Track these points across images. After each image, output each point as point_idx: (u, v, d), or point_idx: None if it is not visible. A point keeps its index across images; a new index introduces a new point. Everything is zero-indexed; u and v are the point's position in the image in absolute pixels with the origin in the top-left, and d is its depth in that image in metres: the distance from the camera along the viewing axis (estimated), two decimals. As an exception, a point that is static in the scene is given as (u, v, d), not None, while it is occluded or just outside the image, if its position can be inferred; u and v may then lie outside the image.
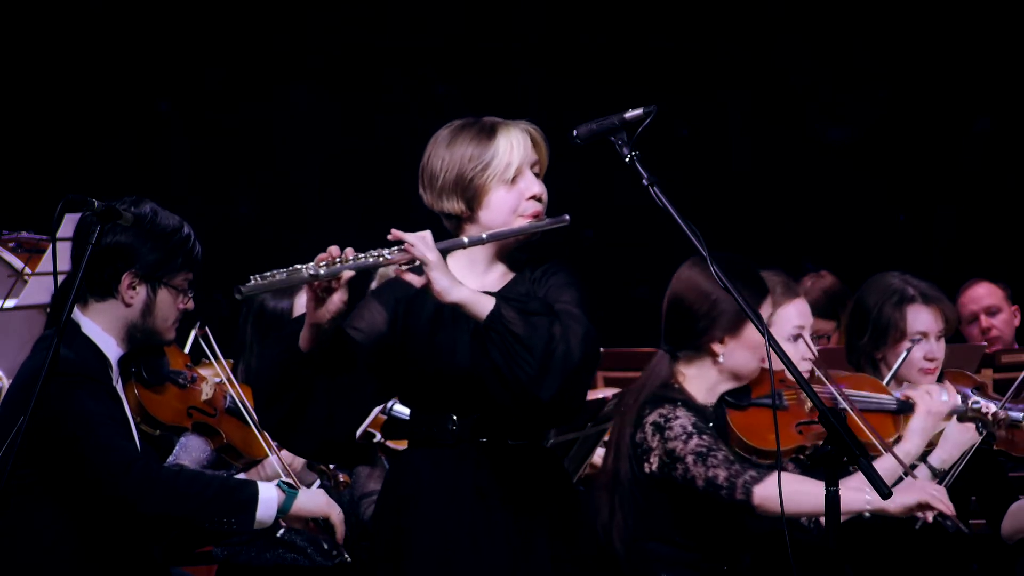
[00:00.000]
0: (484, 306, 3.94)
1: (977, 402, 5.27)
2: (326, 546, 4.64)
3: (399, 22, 9.44)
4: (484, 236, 4.07)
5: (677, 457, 4.86)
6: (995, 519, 5.53)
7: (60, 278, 4.29)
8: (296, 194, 9.34)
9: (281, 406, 4.03)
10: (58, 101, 8.85)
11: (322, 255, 3.92)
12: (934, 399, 5.17)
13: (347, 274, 3.92)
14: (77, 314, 4.52)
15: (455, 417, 4.11)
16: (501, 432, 4.10)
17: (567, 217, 4.10)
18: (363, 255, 3.93)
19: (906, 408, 5.20)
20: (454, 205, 4.12)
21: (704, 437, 4.85)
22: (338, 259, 3.91)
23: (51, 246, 4.55)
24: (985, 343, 7.89)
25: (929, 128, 9.67)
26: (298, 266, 3.92)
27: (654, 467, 4.90)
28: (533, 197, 4.13)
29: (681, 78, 9.48)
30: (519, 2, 9.62)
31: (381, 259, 3.94)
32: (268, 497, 4.42)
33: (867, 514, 4.90)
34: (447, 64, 9.44)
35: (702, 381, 5.02)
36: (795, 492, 4.72)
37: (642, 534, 4.93)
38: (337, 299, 3.93)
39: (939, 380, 5.51)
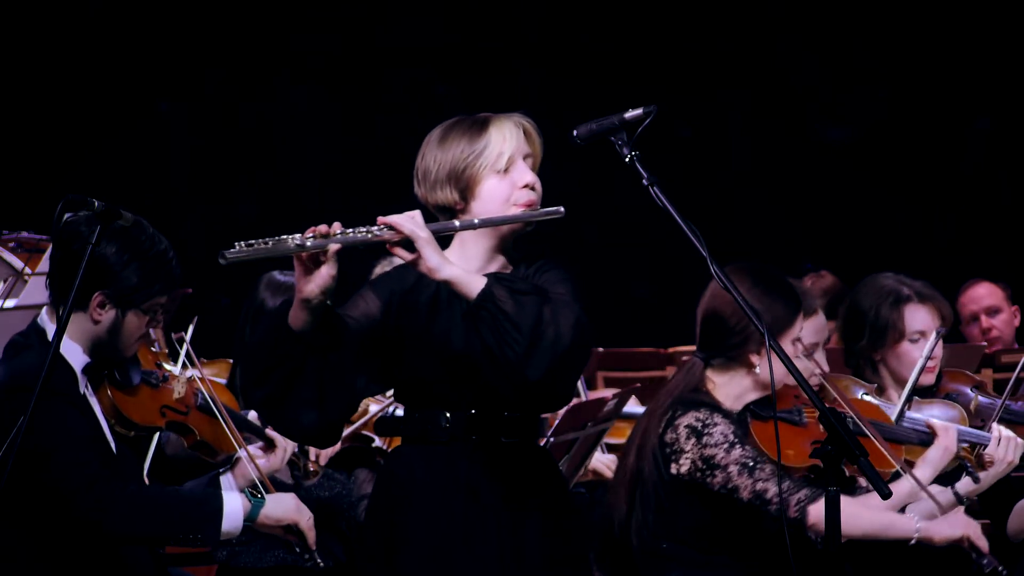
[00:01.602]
0: (475, 285, 3.92)
1: (964, 442, 5.25)
2: (298, 550, 4.60)
3: (399, 22, 9.45)
4: (476, 221, 4.05)
5: (716, 465, 4.84)
6: (999, 518, 5.52)
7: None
8: (296, 194, 9.34)
9: (268, 383, 3.98)
10: (58, 101, 8.86)
11: (311, 228, 3.90)
12: (951, 437, 5.16)
13: (334, 247, 3.87)
14: (44, 321, 4.44)
15: (448, 414, 4.10)
16: (494, 429, 4.09)
17: (562, 208, 4.07)
18: (351, 230, 3.90)
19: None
20: (447, 195, 4.11)
21: (747, 448, 4.83)
22: (327, 234, 3.89)
23: (51, 246, 4.52)
24: (985, 343, 7.90)
25: (929, 128, 9.68)
26: (284, 236, 3.89)
27: (683, 469, 4.87)
28: (526, 186, 4.11)
29: (681, 78, 9.49)
30: (519, 2, 9.63)
31: (370, 235, 3.92)
32: (233, 509, 4.39)
33: (913, 540, 4.93)
34: (447, 64, 9.45)
35: (731, 389, 4.98)
36: (852, 515, 4.54)
37: (660, 534, 4.92)
38: (325, 272, 3.89)
39: (938, 379, 5.51)
